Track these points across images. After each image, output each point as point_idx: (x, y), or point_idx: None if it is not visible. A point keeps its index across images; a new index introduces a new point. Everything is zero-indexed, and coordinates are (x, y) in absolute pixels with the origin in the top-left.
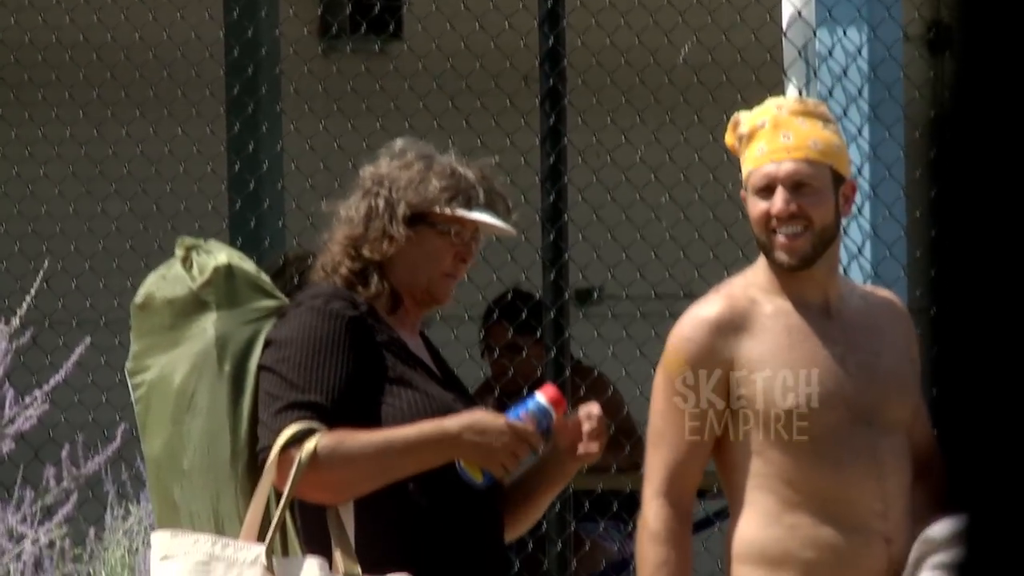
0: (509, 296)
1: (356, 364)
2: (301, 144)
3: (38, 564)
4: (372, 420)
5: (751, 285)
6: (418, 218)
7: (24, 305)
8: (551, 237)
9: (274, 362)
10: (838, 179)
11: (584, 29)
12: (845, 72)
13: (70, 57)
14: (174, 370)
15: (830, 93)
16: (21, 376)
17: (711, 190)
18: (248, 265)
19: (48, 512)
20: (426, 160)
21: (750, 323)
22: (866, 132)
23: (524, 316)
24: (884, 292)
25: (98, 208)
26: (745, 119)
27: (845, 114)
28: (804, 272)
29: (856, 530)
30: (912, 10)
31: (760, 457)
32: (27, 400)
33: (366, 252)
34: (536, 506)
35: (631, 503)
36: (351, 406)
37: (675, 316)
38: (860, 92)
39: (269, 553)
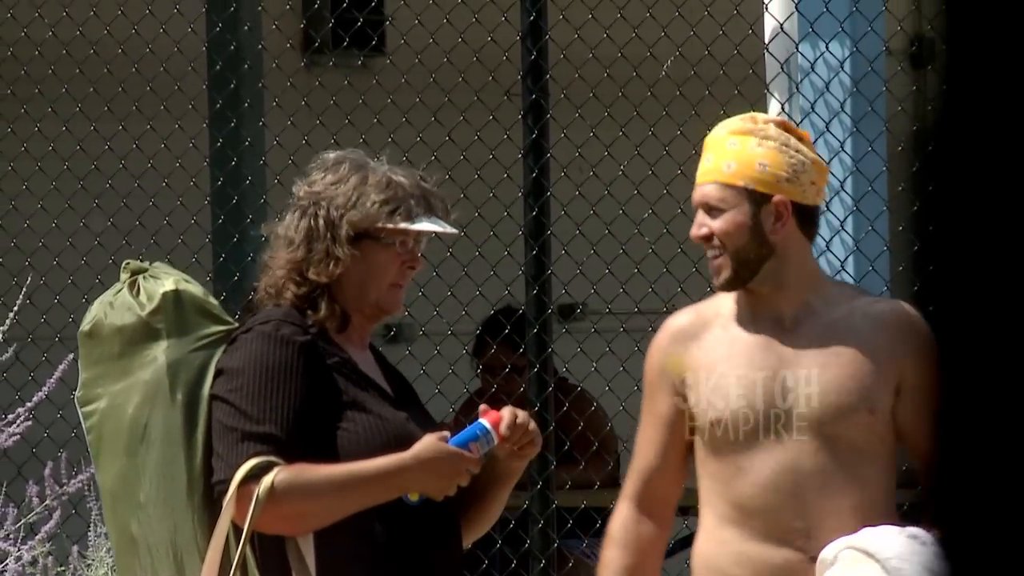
0: (496, 314)
1: (309, 391)
2: (284, 158)
3: None
4: (328, 447)
5: (727, 298)
6: (361, 234)
7: (7, 321)
8: (534, 252)
9: (227, 391)
10: (760, 198)
11: (566, 43)
12: (827, 86)
13: (52, 71)
14: (126, 400)
15: (812, 107)
16: (3, 392)
17: None
18: (195, 288)
19: (31, 530)
20: (360, 173)
21: (704, 334)
22: (848, 146)
23: (509, 333)
24: (890, 304)
25: (81, 223)
26: None
27: (827, 128)
28: (750, 288)
29: (779, 546)
30: (895, 24)
31: (703, 469)
32: (9, 417)
33: (312, 275)
34: (493, 505)
35: None
36: (306, 434)
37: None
38: (842, 106)
39: None
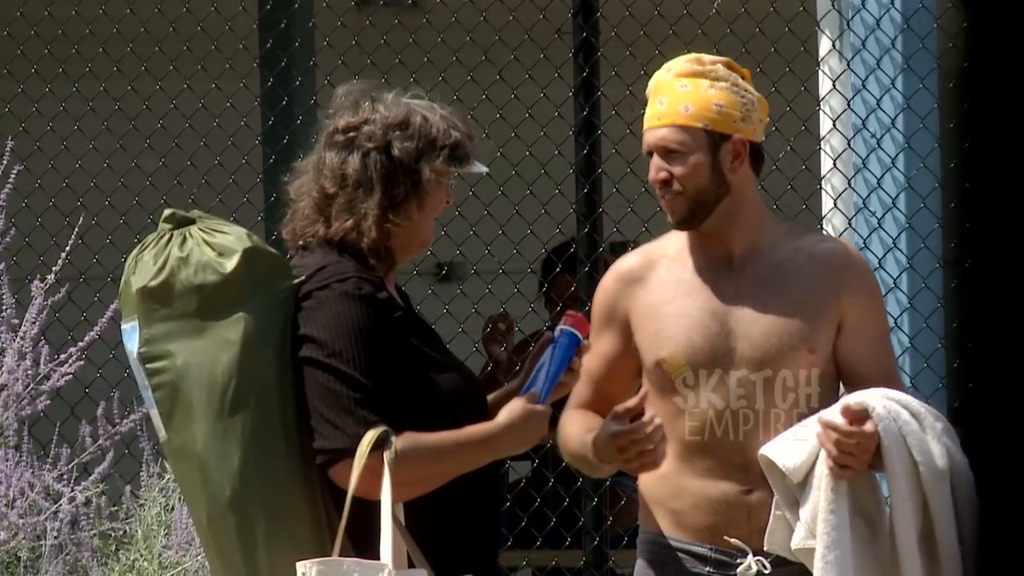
0: (573, 248)
1: (395, 350)
2: None
3: (75, 522)
4: (420, 403)
5: (677, 238)
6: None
7: (59, 261)
8: (585, 190)
9: (326, 356)
10: (719, 138)
11: None
12: (878, 23)
13: (104, 11)
14: (207, 359)
15: (863, 44)
16: (56, 332)
17: None
18: (262, 242)
19: (84, 470)
20: (417, 116)
21: (650, 275)
22: (900, 83)
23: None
24: (834, 243)
25: (132, 163)
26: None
27: (879, 65)
28: (702, 228)
29: (717, 479)
30: None
31: (652, 406)
32: (62, 357)
33: (396, 219)
34: None
35: None
36: (402, 394)
37: None
38: (893, 43)
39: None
